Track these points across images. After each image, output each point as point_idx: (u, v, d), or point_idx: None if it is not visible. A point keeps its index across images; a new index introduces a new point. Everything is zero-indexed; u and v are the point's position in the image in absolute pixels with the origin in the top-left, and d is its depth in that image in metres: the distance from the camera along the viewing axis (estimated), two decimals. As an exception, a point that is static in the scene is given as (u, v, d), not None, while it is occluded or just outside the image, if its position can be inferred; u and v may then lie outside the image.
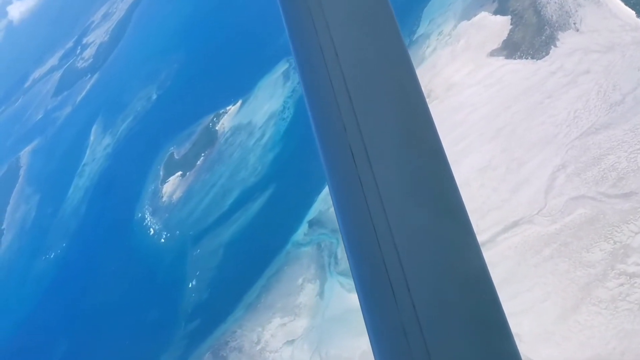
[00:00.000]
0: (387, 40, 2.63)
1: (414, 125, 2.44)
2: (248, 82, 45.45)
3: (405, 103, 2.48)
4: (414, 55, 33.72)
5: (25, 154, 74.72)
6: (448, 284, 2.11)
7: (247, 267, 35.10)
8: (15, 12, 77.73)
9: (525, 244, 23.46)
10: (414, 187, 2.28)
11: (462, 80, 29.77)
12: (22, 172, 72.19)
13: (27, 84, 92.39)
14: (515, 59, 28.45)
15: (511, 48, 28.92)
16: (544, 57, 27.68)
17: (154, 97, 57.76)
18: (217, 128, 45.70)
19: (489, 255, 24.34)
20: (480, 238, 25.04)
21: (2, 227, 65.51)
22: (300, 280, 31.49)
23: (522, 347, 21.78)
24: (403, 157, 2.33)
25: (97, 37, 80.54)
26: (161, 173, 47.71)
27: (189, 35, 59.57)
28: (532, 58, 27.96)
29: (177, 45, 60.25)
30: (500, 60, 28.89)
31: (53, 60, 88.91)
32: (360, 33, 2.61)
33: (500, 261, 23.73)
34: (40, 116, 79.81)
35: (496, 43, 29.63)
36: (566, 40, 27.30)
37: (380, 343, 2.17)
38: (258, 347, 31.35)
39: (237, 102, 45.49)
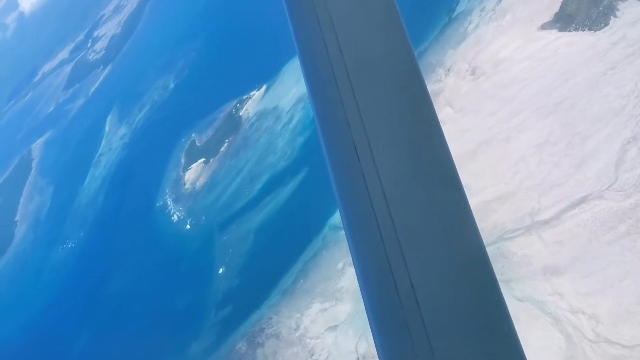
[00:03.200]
0: (391, 36, 2.55)
1: (418, 121, 2.38)
2: (272, 67, 43.26)
3: (409, 99, 2.42)
4: (454, 32, 31.69)
5: (37, 147, 72.25)
6: (452, 280, 2.07)
7: (280, 253, 32.95)
8: (27, 3, 74.97)
9: (596, 220, 21.43)
10: (417, 183, 2.24)
11: (511, 55, 27.72)
12: (34, 164, 69.76)
13: (36, 78, 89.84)
14: (570, 31, 26.39)
15: (564, 20, 26.87)
16: (602, 28, 25.62)
17: (171, 86, 55.48)
18: (240, 114, 43.50)
19: (555, 233, 22.35)
20: (543, 216, 23.06)
21: (15, 219, 63.13)
22: (340, 265, 29.38)
23: (601, 328, 19.81)
24: (406, 154, 2.29)
25: (109, 29, 78.12)
26: (182, 160, 45.47)
27: (206, 23, 57.29)
28: (590, 30, 25.91)
29: (194, 34, 57.96)
30: (553, 34, 26.83)
31: (63, 54, 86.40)
32: (364, 29, 2.55)
33: (569, 239, 21.71)
34: (51, 109, 77.34)
35: (547, 16, 27.57)
36: (627, 10, 25.27)
37: (383, 340, 2.12)
38: (297, 334, 29.22)
39: (262, 87, 43.31)
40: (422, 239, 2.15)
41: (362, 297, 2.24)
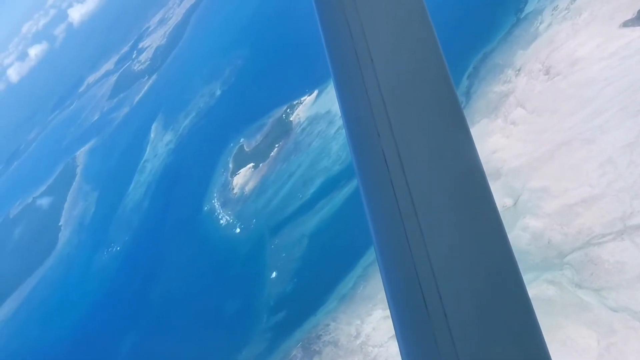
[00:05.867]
0: (422, 46, 2.47)
1: (448, 131, 2.31)
2: (324, 72, 41.83)
3: (439, 109, 2.34)
4: (524, 33, 29.92)
5: (81, 154, 72.06)
6: (481, 293, 1.99)
7: (337, 258, 31.18)
8: (76, 14, 75.50)
9: (701, 224, 19.30)
10: (447, 193, 2.17)
11: (590, 54, 25.83)
12: (78, 170, 69.46)
13: (81, 89, 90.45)
14: (656, 28, 24.50)
15: (649, 17, 24.99)
16: (695, 23, 23.71)
17: (218, 93, 54.65)
18: (291, 119, 42.19)
19: (652, 239, 20.23)
20: (637, 220, 20.95)
21: (59, 224, 62.59)
22: (403, 270, 27.45)
23: None
24: (436, 163, 2.22)
25: (154, 41, 78.26)
26: (230, 166, 44.26)
27: (253, 31, 56.52)
28: (680, 25, 23.99)
29: (240, 43, 57.22)
30: (637, 31, 24.91)
31: (108, 65, 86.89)
32: (395, 39, 2.49)
33: (670, 245, 19.58)
34: (96, 118, 77.40)
35: (629, 13, 25.67)
36: None
37: (409, 351, 2.03)
38: (358, 342, 27.31)
39: (313, 92, 41.99)
40: (451, 249, 2.05)
41: (389, 308, 2.14)
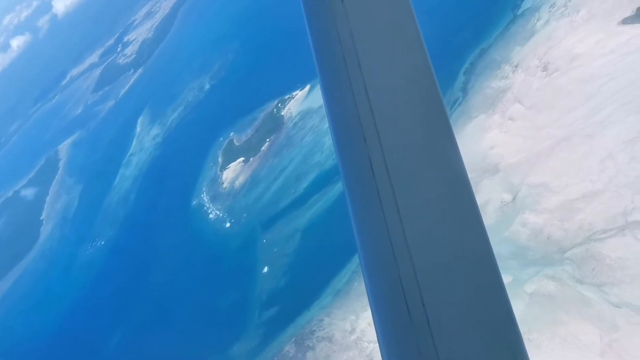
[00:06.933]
0: (410, 52, 2.47)
1: (435, 138, 2.31)
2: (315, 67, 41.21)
3: (426, 116, 2.35)
4: (521, 29, 29.65)
5: (64, 147, 70.30)
6: (464, 301, 1.97)
7: (331, 252, 30.55)
8: (61, 5, 73.52)
9: None
10: (432, 200, 2.17)
11: (590, 50, 25.63)
12: (61, 164, 67.76)
13: (64, 82, 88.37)
14: (656, 25, 24.37)
15: (649, 15, 24.85)
16: (695, 21, 23.61)
17: (207, 87, 53.59)
18: (282, 113, 41.44)
19: (655, 235, 20.03)
20: (638, 216, 20.79)
21: (41, 218, 60.95)
22: (399, 265, 26.98)
23: None
24: (422, 170, 2.23)
25: (140, 34, 76.66)
26: (220, 160, 43.33)
27: (243, 25, 55.55)
28: (680, 23, 23.88)
29: (230, 37, 56.18)
30: (637, 28, 24.77)
31: (92, 58, 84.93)
32: (383, 44, 2.49)
33: (673, 240, 19.38)
34: (80, 111, 75.59)
35: (628, 10, 25.53)
36: None
37: (392, 358, 2.02)
38: (353, 337, 26.78)
39: (305, 87, 41.30)
40: (435, 257, 2.04)
41: (372, 314, 2.14)
